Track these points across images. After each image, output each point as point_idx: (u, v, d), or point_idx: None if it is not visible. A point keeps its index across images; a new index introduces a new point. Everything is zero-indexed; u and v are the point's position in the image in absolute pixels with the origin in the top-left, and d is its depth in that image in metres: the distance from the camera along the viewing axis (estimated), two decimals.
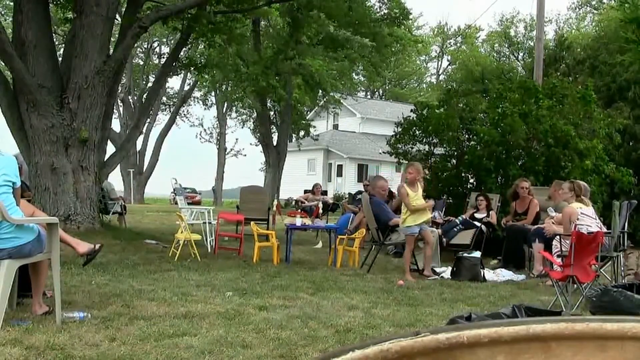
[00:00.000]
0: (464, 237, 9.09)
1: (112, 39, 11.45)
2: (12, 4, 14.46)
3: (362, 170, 37.15)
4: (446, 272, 7.76)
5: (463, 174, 12.17)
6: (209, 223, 9.72)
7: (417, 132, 12.87)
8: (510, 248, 8.66)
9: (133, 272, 6.72)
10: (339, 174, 37.99)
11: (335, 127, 41.40)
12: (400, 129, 13.24)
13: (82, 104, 9.79)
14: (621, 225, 7.17)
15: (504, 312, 3.90)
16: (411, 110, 13.38)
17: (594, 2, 38.50)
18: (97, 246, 4.81)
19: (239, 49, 16.80)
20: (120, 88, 25.45)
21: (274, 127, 28.03)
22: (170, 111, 40.60)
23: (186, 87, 39.28)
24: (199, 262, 7.87)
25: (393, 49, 21.54)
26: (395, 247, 9.68)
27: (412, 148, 13.09)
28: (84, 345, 3.75)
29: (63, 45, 15.04)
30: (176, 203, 17.25)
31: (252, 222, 9.33)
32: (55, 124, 9.60)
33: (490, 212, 9.55)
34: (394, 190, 10.89)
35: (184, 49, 18.78)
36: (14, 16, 10.28)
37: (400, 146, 13.14)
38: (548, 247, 7.26)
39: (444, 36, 51.08)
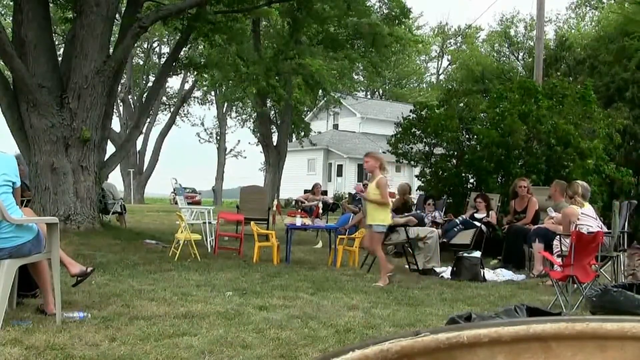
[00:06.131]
0: (464, 237, 9.09)
1: (112, 39, 11.44)
2: (12, 4, 14.46)
3: (362, 170, 37.09)
4: (446, 272, 7.76)
5: (463, 174, 12.18)
6: (209, 223, 9.72)
7: (417, 132, 12.88)
8: (510, 248, 8.66)
9: (133, 272, 6.72)
10: (339, 174, 37.98)
11: (335, 127, 41.39)
12: (399, 129, 13.25)
13: (82, 103, 9.79)
14: (621, 225, 7.17)
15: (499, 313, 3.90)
16: (410, 111, 13.38)
17: (593, 2, 38.47)
18: (89, 269, 4.89)
19: (239, 48, 16.80)
20: (120, 88, 25.45)
21: (274, 127, 28.02)
22: (170, 111, 40.61)
23: (186, 87, 39.32)
24: (199, 262, 7.87)
25: (393, 49, 21.53)
26: (395, 247, 9.67)
27: (412, 148, 13.10)
28: (84, 345, 3.75)
29: (63, 45, 15.04)
30: (176, 203, 17.25)
31: (252, 222, 9.32)
32: (55, 123, 9.60)
33: (490, 212, 9.55)
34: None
35: (184, 48, 18.78)
36: (14, 16, 10.28)
37: (400, 146, 13.14)
38: (548, 247, 7.26)
39: (444, 36, 51.05)
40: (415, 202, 11.60)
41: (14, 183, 4.21)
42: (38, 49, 9.64)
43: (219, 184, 42.11)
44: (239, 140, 53.44)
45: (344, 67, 23.53)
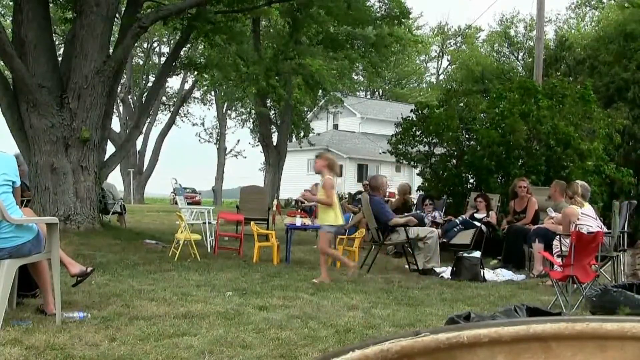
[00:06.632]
0: (464, 237, 9.09)
1: (112, 38, 11.44)
2: (12, 4, 14.46)
3: (362, 170, 37.14)
4: (446, 272, 7.76)
5: (463, 174, 12.18)
6: (209, 223, 9.72)
7: (417, 133, 12.88)
8: (510, 248, 8.66)
9: (133, 272, 6.72)
10: (339, 174, 37.96)
11: (335, 127, 41.39)
12: (400, 129, 13.24)
13: (82, 103, 9.79)
14: (621, 225, 7.17)
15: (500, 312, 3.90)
16: (411, 110, 13.38)
17: (593, 2, 38.48)
18: (89, 269, 4.90)
19: (239, 48, 16.81)
20: (120, 88, 25.45)
21: (274, 127, 28.02)
22: (170, 111, 40.62)
23: (186, 87, 39.32)
24: (199, 262, 7.87)
25: (393, 49, 21.52)
26: (395, 247, 9.68)
27: (412, 148, 13.10)
28: (84, 345, 3.75)
29: (63, 45, 15.05)
30: (176, 203, 17.26)
31: (252, 222, 9.33)
32: (55, 123, 9.60)
33: (490, 212, 9.55)
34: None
35: (184, 48, 18.77)
36: (14, 16, 10.28)
37: (400, 147, 13.14)
38: (548, 247, 7.26)
39: (444, 36, 51.07)
40: (415, 202, 11.61)
41: (14, 183, 4.21)
42: (38, 49, 9.64)
43: (219, 184, 42.12)
44: (238, 140, 53.41)
45: (344, 67, 23.54)
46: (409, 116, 13.23)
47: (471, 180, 12.19)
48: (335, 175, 7.16)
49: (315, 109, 35.88)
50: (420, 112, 12.93)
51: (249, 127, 41.54)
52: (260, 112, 25.51)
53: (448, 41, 51.35)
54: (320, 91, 23.33)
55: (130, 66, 32.32)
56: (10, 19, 12.67)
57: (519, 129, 10.88)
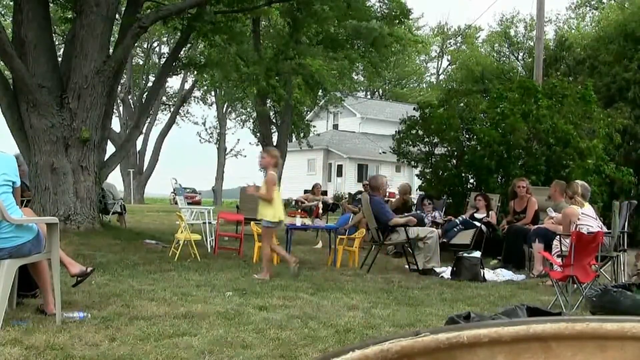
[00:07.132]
0: (464, 237, 9.09)
1: (112, 38, 11.44)
2: (12, 4, 14.46)
3: (362, 170, 37.14)
4: (446, 272, 7.76)
5: (463, 174, 12.18)
6: (209, 223, 9.72)
7: (419, 132, 12.88)
8: (510, 248, 8.66)
9: (133, 272, 6.72)
10: (339, 174, 37.98)
11: (335, 127, 41.40)
12: (403, 127, 13.24)
13: (82, 103, 9.79)
14: (621, 225, 7.17)
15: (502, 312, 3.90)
16: (414, 109, 13.40)
17: (593, 2, 38.48)
18: (89, 269, 4.91)
19: (239, 48, 16.80)
20: (120, 88, 25.44)
21: (274, 127, 27.99)
22: (170, 111, 40.63)
23: (186, 87, 39.32)
24: (199, 262, 7.87)
25: (393, 49, 21.49)
26: (395, 247, 9.68)
27: (413, 147, 13.11)
28: (84, 345, 3.75)
29: (63, 45, 15.05)
30: (176, 203, 17.26)
31: (252, 222, 9.33)
32: (55, 124, 9.60)
33: (490, 212, 9.55)
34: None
35: (184, 48, 18.77)
36: (14, 16, 10.28)
37: (402, 146, 13.15)
38: (548, 247, 7.26)
39: (444, 36, 51.08)
40: (415, 202, 11.61)
41: (14, 183, 4.21)
42: (38, 49, 9.64)
43: (219, 184, 42.11)
44: (238, 140, 53.48)
45: (344, 67, 23.51)
46: (414, 115, 13.24)
47: (471, 180, 12.20)
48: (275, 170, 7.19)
49: (316, 108, 35.88)
50: (423, 110, 12.93)
51: (249, 127, 41.58)
52: (260, 112, 25.49)
53: (448, 41, 51.37)
54: (320, 91, 23.31)
55: (130, 66, 32.31)
56: (10, 19, 12.67)
57: (519, 129, 10.89)
